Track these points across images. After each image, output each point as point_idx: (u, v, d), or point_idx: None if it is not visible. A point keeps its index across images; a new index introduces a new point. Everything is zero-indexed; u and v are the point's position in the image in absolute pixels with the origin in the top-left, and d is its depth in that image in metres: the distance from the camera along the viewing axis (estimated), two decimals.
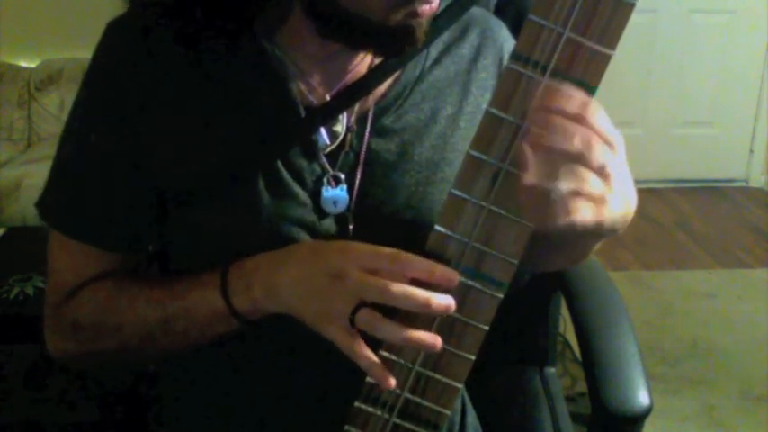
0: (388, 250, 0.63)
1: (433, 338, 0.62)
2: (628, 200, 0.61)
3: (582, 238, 0.63)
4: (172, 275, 0.79)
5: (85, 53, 0.80)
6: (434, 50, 0.79)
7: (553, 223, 0.57)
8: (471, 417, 0.92)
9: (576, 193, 0.56)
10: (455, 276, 0.61)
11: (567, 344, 2.14)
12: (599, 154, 0.56)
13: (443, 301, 0.61)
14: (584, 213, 0.57)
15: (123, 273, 0.79)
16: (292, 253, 0.70)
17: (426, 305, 0.61)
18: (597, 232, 0.59)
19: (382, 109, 0.76)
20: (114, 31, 0.75)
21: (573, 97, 0.56)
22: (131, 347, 0.77)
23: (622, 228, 0.62)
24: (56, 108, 3.14)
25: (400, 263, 0.62)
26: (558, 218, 0.56)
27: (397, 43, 0.70)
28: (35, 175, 2.69)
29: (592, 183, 0.57)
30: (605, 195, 0.57)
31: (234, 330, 0.73)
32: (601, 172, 0.57)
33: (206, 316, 0.73)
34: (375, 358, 0.63)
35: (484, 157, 0.60)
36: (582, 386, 2.01)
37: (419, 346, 0.62)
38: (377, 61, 0.75)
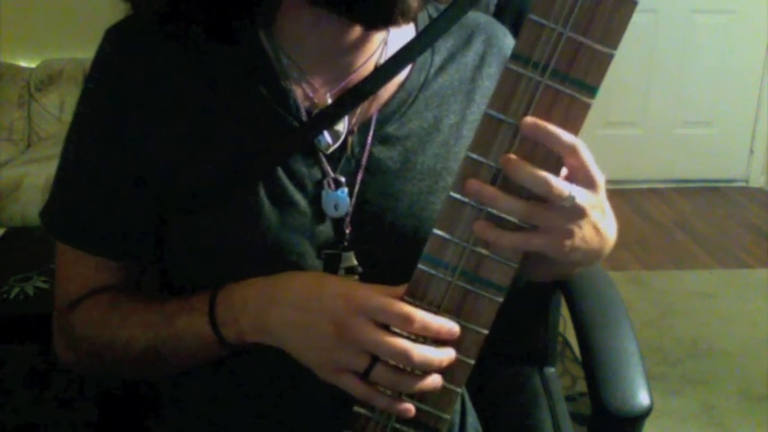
0: (398, 306, 0.62)
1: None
2: (602, 241, 0.64)
3: (554, 262, 0.65)
4: (165, 294, 0.78)
5: (85, 53, 0.80)
6: (439, 58, 0.78)
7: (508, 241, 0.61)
8: (471, 417, 0.92)
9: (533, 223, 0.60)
10: (457, 330, 0.63)
11: (567, 344, 2.14)
12: (576, 193, 0.58)
13: (450, 356, 0.64)
14: (536, 240, 0.60)
15: (123, 288, 0.79)
16: (285, 290, 0.68)
17: (440, 366, 0.63)
18: (562, 259, 0.63)
19: (386, 116, 0.75)
20: (112, 37, 0.75)
21: (560, 136, 0.57)
22: (127, 364, 0.77)
23: (591, 263, 0.67)
24: (56, 108, 3.13)
25: (413, 326, 0.62)
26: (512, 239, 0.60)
27: (387, 9, 0.66)
28: (35, 175, 2.68)
29: (554, 216, 0.60)
30: (570, 228, 0.60)
31: (227, 354, 0.72)
32: (571, 209, 0.59)
33: (195, 343, 0.72)
34: (390, 399, 0.64)
35: (483, 159, 0.59)
36: (582, 386, 2.01)
37: (434, 388, 0.65)
38: (382, 62, 0.75)
